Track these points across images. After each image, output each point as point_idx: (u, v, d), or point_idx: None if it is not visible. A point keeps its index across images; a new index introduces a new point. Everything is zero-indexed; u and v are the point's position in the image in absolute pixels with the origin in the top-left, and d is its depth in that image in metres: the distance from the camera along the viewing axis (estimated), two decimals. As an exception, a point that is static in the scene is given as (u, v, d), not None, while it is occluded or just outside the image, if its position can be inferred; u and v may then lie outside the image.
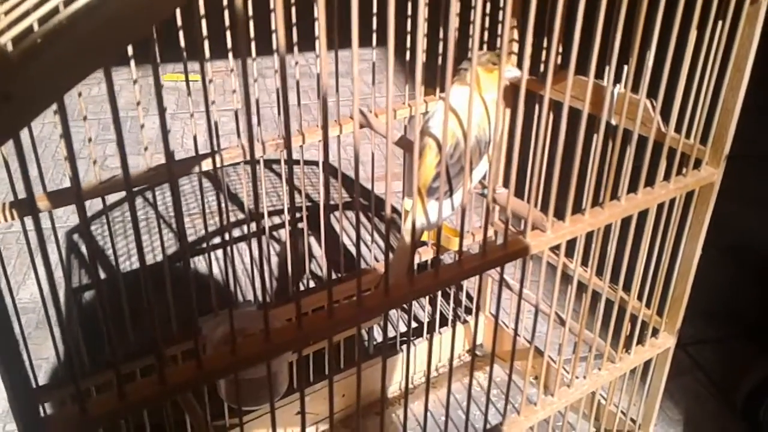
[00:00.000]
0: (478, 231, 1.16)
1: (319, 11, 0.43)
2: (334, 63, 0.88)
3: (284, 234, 0.94)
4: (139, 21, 0.33)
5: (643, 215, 0.81)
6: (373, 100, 0.98)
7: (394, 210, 1.52)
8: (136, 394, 0.50)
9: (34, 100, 0.34)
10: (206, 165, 0.84)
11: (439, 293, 1.33)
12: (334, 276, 1.11)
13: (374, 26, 0.90)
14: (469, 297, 1.34)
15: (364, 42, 0.89)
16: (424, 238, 0.91)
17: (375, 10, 0.88)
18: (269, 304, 0.94)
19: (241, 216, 1.66)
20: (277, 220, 1.63)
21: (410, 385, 1.22)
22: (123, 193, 1.00)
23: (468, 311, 1.28)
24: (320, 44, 0.47)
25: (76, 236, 1.63)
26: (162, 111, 0.43)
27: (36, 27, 0.39)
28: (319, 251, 1.43)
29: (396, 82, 2.30)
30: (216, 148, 0.82)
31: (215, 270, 1.45)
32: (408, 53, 0.91)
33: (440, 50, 0.93)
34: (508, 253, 0.67)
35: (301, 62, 2.06)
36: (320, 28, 0.45)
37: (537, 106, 0.89)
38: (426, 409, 0.72)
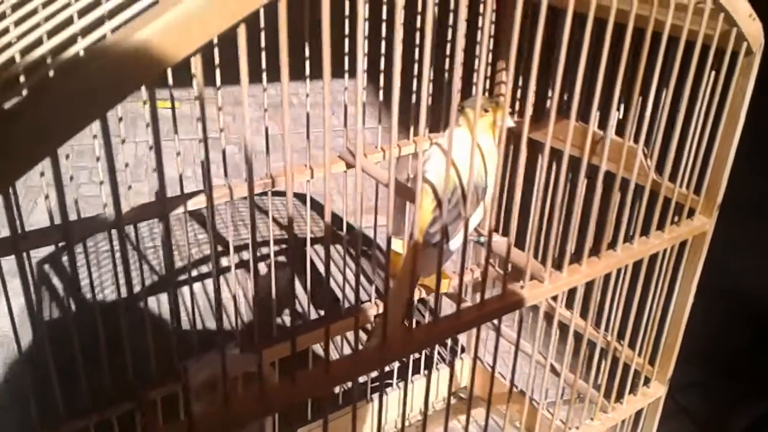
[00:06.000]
0: (473, 268, 1.15)
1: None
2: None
3: (270, 269, 0.92)
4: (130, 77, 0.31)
5: (636, 264, 0.80)
6: (362, 139, 0.96)
7: (380, 248, 1.51)
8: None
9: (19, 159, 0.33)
10: (193, 204, 0.83)
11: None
12: (314, 314, 1.08)
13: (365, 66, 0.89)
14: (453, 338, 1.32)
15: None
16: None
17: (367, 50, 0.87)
18: (258, 352, 0.91)
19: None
20: (263, 254, 1.61)
21: (396, 427, 1.19)
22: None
23: (453, 352, 1.26)
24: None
25: (46, 267, 1.58)
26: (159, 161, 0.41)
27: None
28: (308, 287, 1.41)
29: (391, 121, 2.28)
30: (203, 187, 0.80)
31: (197, 308, 1.41)
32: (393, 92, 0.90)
33: (429, 91, 0.92)
34: (506, 305, 0.65)
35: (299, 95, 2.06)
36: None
37: (533, 153, 0.89)
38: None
